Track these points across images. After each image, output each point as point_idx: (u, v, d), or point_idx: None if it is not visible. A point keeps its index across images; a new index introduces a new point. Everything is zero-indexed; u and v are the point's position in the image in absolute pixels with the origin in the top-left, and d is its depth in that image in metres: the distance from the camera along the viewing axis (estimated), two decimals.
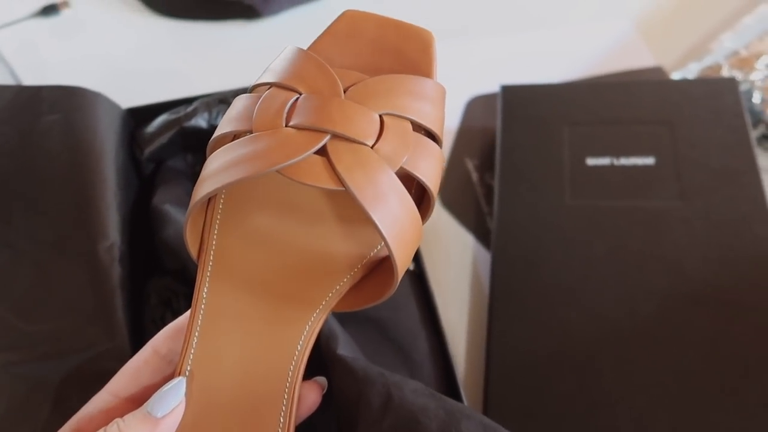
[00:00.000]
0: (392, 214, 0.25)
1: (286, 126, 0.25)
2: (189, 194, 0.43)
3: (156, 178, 0.44)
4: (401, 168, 0.25)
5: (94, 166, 0.39)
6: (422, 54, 0.28)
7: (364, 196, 0.24)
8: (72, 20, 0.65)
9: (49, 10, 0.64)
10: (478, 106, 0.59)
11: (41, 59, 0.62)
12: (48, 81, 0.52)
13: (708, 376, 0.38)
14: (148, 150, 0.44)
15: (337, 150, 0.24)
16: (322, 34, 0.29)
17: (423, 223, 0.27)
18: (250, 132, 0.26)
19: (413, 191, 0.27)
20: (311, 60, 0.27)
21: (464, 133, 0.57)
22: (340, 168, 0.24)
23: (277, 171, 0.24)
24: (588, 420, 0.38)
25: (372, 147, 0.25)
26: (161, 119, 0.45)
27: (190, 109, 0.45)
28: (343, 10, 0.29)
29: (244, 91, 0.46)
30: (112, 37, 0.65)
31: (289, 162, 0.24)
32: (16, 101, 0.41)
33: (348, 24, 0.29)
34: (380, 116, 0.25)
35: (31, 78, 0.59)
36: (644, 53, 0.61)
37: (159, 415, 0.26)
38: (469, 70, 0.61)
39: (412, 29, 0.29)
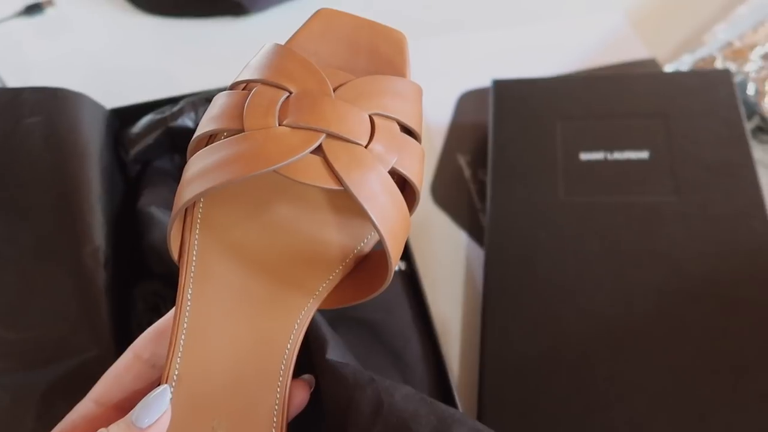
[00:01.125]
0: (386, 211, 0.25)
1: (279, 125, 0.25)
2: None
3: (142, 179, 0.43)
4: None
5: (77, 169, 0.38)
6: (396, 54, 0.29)
7: (361, 195, 0.24)
8: (56, 19, 0.64)
9: (33, 9, 0.63)
10: (470, 101, 0.58)
11: (25, 58, 0.61)
12: (32, 80, 0.51)
13: (705, 372, 0.37)
14: (134, 151, 0.43)
15: (333, 149, 0.24)
16: (298, 31, 0.29)
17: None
18: (232, 131, 0.25)
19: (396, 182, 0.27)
20: (295, 57, 0.27)
21: (456, 128, 0.57)
22: (337, 167, 0.24)
23: (275, 171, 0.24)
24: (584, 418, 0.37)
25: (365, 147, 0.25)
26: (147, 119, 0.44)
27: (176, 108, 0.44)
28: (317, 9, 0.30)
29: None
30: (98, 35, 0.64)
31: (287, 161, 0.24)
32: None
33: (323, 22, 0.29)
34: (370, 116, 0.26)
35: (15, 77, 0.58)
36: (637, 46, 0.60)
37: (144, 425, 0.25)
38: (460, 65, 0.61)
39: (386, 30, 0.29)
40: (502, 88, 0.52)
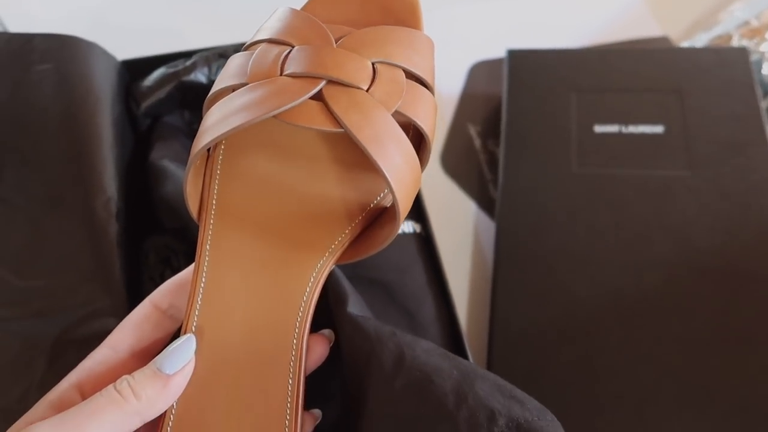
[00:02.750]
0: (391, 154, 0.25)
1: (281, 75, 0.25)
2: (187, 151, 0.42)
3: (152, 134, 0.43)
4: (398, 114, 0.26)
5: (89, 119, 0.38)
6: (410, 14, 0.29)
7: (362, 136, 0.24)
8: None
9: None
10: (481, 71, 0.58)
11: (29, 9, 0.59)
12: (36, 31, 0.50)
13: (713, 346, 0.37)
14: (145, 104, 0.42)
15: (332, 94, 0.25)
16: None
17: (422, 170, 0.28)
18: (243, 86, 0.26)
19: (410, 138, 0.27)
20: (300, 15, 0.28)
21: (467, 99, 0.56)
22: (337, 110, 0.24)
23: (276, 117, 0.24)
24: (590, 389, 0.37)
25: (366, 91, 0.25)
26: (159, 73, 0.43)
27: (188, 63, 0.43)
28: None
29: (244, 45, 0.45)
30: None
31: (287, 106, 0.24)
32: (6, 49, 0.39)
33: None
34: (372, 64, 0.26)
35: (18, 28, 0.57)
36: (651, 23, 0.60)
37: (170, 372, 0.25)
38: (472, 36, 0.60)
39: None
40: (517, 58, 0.52)
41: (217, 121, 0.25)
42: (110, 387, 0.24)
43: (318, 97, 0.25)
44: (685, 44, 0.56)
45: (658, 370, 0.37)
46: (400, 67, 0.27)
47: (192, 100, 0.43)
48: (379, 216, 0.31)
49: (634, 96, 0.48)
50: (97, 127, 0.38)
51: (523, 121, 0.49)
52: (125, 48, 0.46)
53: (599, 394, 0.37)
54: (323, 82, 0.25)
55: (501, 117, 0.49)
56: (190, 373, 0.26)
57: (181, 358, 0.26)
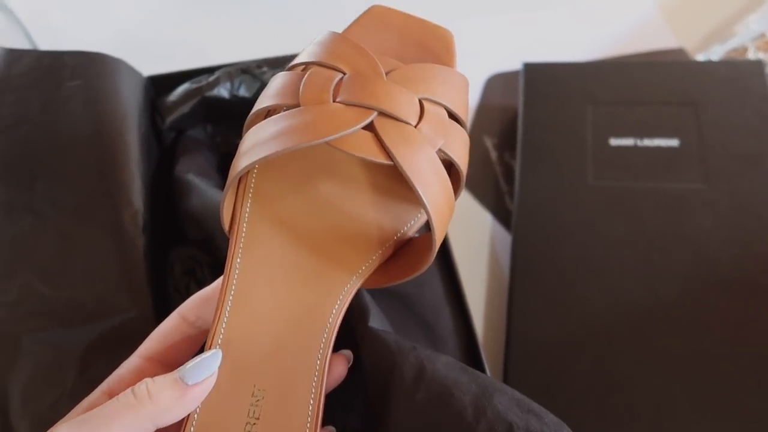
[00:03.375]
0: (433, 189, 0.26)
1: (333, 101, 0.26)
2: (210, 164, 0.43)
3: (177, 147, 0.44)
4: (438, 151, 0.27)
5: (117, 134, 0.39)
6: (444, 51, 0.30)
7: (409, 170, 0.25)
8: None
9: None
10: (497, 84, 0.58)
11: (57, 26, 0.61)
12: (64, 48, 0.51)
13: (728, 360, 0.38)
14: (170, 119, 0.43)
15: (384, 126, 0.26)
16: (350, 25, 0.31)
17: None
18: (290, 107, 0.26)
19: None
20: (349, 43, 0.28)
21: (483, 111, 0.57)
22: (388, 142, 0.25)
23: (328, 143, 0.25)
24: (606, 400, 0.38)
25: (415, 127, 0.26)
26: (183, 88, 0.44)
27: (212, 78, 0.44)
28: (370, 5, 0.31)
29: (267, 62, 0.46)
30: (129, 4, 0.64)
31: (341, 133, 0.25)
32: (37, 66, 0.41)
33: (374, 19, 0.31)
34: (419, 100, 0.27)
35: (47, 44, 0.58)
36: (666, 35, 0.60)
37: (190, 382, 0.26)
38: (488, 48, 0.61)
39: (435, 28, 0.31)
40: (533, 71, 0.53)
41: (268, 138, 0.26)
42: (128, 390, 0.25)
43: (368, 127, 0.26)
44: (700, 56, 0.56)
45: (674, 382, 0.38)
46: (443, 105, 0.28)
47: (215, 114, 0.45)
48: (408, 246, 0.32)
49: (650, 109, 0.48)
50: (125, 142, 0.39)
51: (539, 133, 0.49)
52: (151, 63, 0.47)
53: (615, 405, 0.38)
54: (375, 113, 0.26)
55: (517, 129, 0.50)
56: (210, 387, 0.26)
57: (203, 371, 0.26)
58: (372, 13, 0.31)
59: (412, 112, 0.26)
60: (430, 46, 0.30)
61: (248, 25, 0.62)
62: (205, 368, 0.26)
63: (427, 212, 0.26)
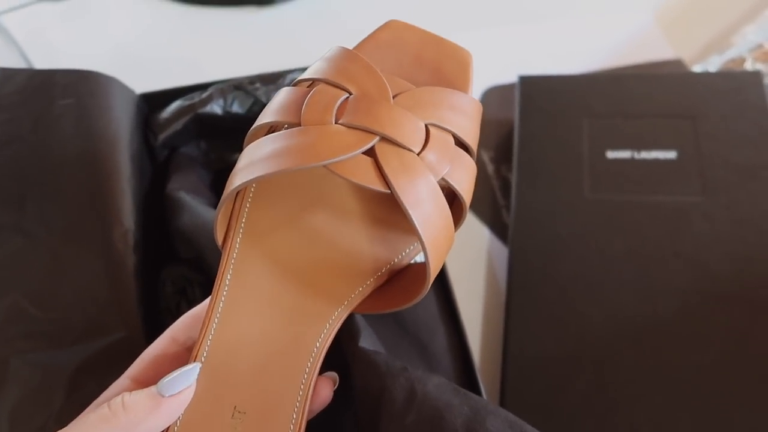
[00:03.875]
0: (430, 220, 0.25)
1: (335, 123, 0.25)
2: (203, 181, 0.43)
3: (170, 164, 0.44)
4: (441, 179, 0.26)
5: (108, 152, 0.39)
6: (460, 72, 0.29)
7: (407, 200, 0.24)
8: (83, 4, 0.65)
9: None
10: (494, 97, 0.58)
11: (52, 44, 0.61)
12: (59, 65, 0.52)
13: (728, 375, 0.37)
14: (163, 136, 0.43)
15: (384, 153, 0.25)
16: (365, 39, 0.30)
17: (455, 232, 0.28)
18: (291, 125, 0.26)
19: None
20: (359, 61, 0.27)
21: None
22: (387, 171, 0.24)
23: (325, 166, 0.24)
24: (605, 418, 0.37)
25: (418, 154, 0.25)
26: (175, 105, 0.44)
27: (204, 95, 0.44)
28: (388, 20, 0.30)
29: (259, 78, 0.46)
30: (124, 22, 0.64)
31: (339, 158, 0.24)
32: (29, 85, 0.41)
33: (391, 33, 0.30)
34: (426, 125, 0.26)
35: (42, 62, 0.59)
36: (664, 46, 0.60)
37: (166, 394, 0.25)
38: (485, 61, 0.60)
39: (452, 47, 0.30)
40: (529, 84, 0.52)
41: (265, 157, 0.25)
42: (104, 404, 0.25)
43: (369, 152, 0.25)
44: (698, 67, 0.56)
45: (674, 398, 0.37)
46: (450, 131, 0.27)
47: (208, 131, 0.44)
48: (403, 274, 0.31)
49: (647, 121, 0.48)
50: (116, 161, 0.39)
51: (536, 146, 0.49)
52: (147, 80, 0.47)
53: (615, 423, 0.37)
54: (377, 138, 0.25)
55: (513, 143, 0.50)
56: (188, 399, 0.26)
57: (180, 383, 0.26)
58: (389, 27, 0.30)
59: (416, 138, 0.25)
60: (446, 66, 0.29)
61: (244, 41, 0.62)
62: (182, 380, 0.26)
63: (423, 245, 0.25)
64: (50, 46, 0.61)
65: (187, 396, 0.26)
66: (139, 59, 0.60)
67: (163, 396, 0.25)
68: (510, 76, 0.56)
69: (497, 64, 0.60)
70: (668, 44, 0.60)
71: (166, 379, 0.26)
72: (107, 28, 0.63)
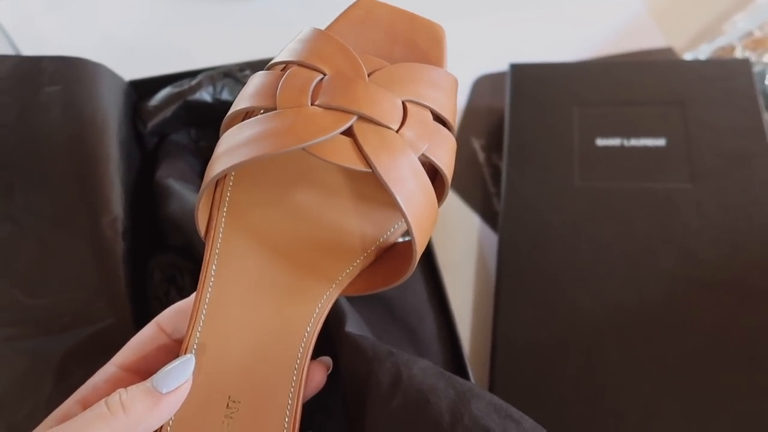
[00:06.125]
0: (414, 197, 0.25)
1: (312, 105, 0.25)
2: (193, 169, 0.43)
3: (159, 152, 0.43)
4: (422, 156, 0.26)
5: (96, 139, 0.39)
6: (434, 47, 0.29)
7: (389, 178, 0.24)
8: None
9: None
10: (485, 85, 0.58)
11: (40, 31, 0.61)
12: (47, 53, 0.51)
13: (717, 361, 0.37)
14: (152, 123, 0.43)
15: (363, 131, 0.24)
16: (337, 18, 0.29)
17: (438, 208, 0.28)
18: (267, 109, 0.25)
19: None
20: (332, 41, 0.27)
21: (471, 112, 0.57)
22: (367, 149, 0.24)
23: (304, 149, 0.24)
24: (593, 404, 0.37)
25: (397, 131, 0.25)
26: (165, 92, 0.44)
27: (194, 82, 0.44)
28: None
29: (249, 65, 0.45)
30: (114, 10, 0.63)
31: (317, 140, 0.24)
32: (16, 72, 0.40)
33: (363, 11, 0.29)
34: (403, 102, 0.26)
35: (31, 51, 0.58)
36: (655, 34, 0.60)
37: (164, 390, 0.25)
38: (476, 49, 0.60)
39: (425, 22, 0.29)
40: (520, 72, 0.52)
41: (242, 143, 0.25)
42: (101, 402, 0.24)
43: (347, 132, 0.24)
44: (688, 55, 0.56)
45: (661, 384, 0.37)
46: (428, 107, 0.27)
47: (197, 118, 0.44)
48: (390, 253, 0.31)
49: (636, 109, 0.48)
50: (104, 148, 0.38)
51: (526, 134, 0.49)
52: (138, 67, 0.47)
53: (603, 408, 0.37)
54: (354, 118, 0.24)
55: (503, 131, 0.50)
56: (185, 394, 0.26)
57: (177, 378, 0.26)
58: (359, 5, 0.29)
59: (394, 115, 0.25)
60: (419, 42, 0.29)
61: (234, 29, 0.62)
62: (179, 375, 0.26)
63: (407, 222, 0.25)
64: (39, 35, 0.60)
65: (185, 391, 0.26)
66: (128, 47, 0.60)
67: (161, 392, 0.25)
68: (501, 65, 0.56)
69: (488, 52, 0.60)
70: (659, 32, 0.60)
71: (162, 374, 0.25)
72: (96, 16, 0.63)
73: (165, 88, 0.44)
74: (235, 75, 0.44)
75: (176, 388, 0.26)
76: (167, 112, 0.43)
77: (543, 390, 0.38)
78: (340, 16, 0.29)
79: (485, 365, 0.41)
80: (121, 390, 0.25)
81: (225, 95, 0.44)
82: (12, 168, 0.38)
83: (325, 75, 0.26)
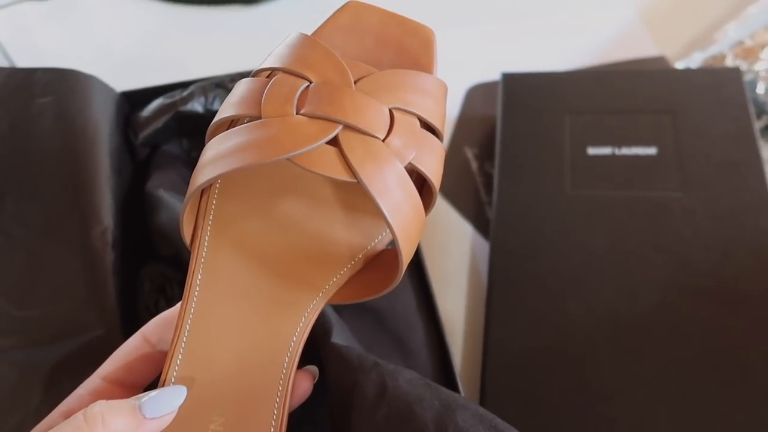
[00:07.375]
0: (400, 207, 0.25)
1: (297, 113, 0.24)
2: (184, 179, 0.43)
3: (151, 162, 0.44)
4: (409, 164, 0.25)
5: (87, 150, 0.39)
6: (423, 50, 0.28)
7: (374, 189, 0.24)
8: (67, 4, 0.64)
9: None
10: (478, 94, 0.58)
11: (36, 43, 0.61)
12: (43, 64, 0.52)
13: (708, 368, 0.37)
14: (143, 134, 0.43)
15: (349, 141, 0.24)
16: (325, 22, 0.29)
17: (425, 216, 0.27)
18: (252, 117, 0.25)
19: (413, 180, 0.27)
20: (319, 47, 0.27)
21: (464, 121, 0.57)
22: (352, 159, 0.24)
23: (289, 159, 0.23)
24: (586, 412, 0.37)
25: (383, 140, 0.25)
26: (157, 103, 0.44)
27: (185, 93, 0.44)
28: (346, 1, 0.29)
29: (241, 75, 0.46)
30: (109, 21, 0.64)
31: (302, 150, 0.23)
32: (8, 83, 0.41)
33: (351, 15, 0.29)
34: (390, 110, 0.26)
35: (25, 62, 0.58)
36: (647, 43, 0.60)
37: (148, 416, 0.25)
38: (469, 58, 0.61)
39: (415, 25, 0.29)
40: (511, 81, 0.52)
41: (226, 153, 0.24)
42: (79, 414, 0.24)
43: (332, 141, 0.24)
44: (680, 64, 0.56)
45: (654, 392, 0.37)
46: (415, 114, 0.26)
47: (190, 128, 0.44)
48: (377, 261, 0.31)
49: (628, 117, 0.48)
50: (95, 159, 0.39)
51: (518, 143, 0.49)
52: (132, 79, 0.47)
53: (595, 417, 0.37)
54: (340, 127, 0.24)
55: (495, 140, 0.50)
56: (169, 422, 0.25)
57: (164, 407, 0.25)
58: (348, 9, 0.29)
59: (380, 124, 0.25)
60: (409, 45, 0.28)
61: (229, 40, 0.62)
62: (168, 404, 0.25)
63: (393, 232, 0.25)
64: (34, 46, 0.60)
65: (168, 420, 0.25)
66: (124, 59, 0.60)
67: (145, 417, 0.24)
68: (494, 74, 0.56)
69: (481, 61, 0.60)
70: (652, 41, 0.60)
71: (149, 397, 0.25)
72: (92, 28, 0.63)
73: (157, 99, 0.44)
74: (227, 86, 0.45)
75: (160, 417, 0.25)
76: (159, 123, 0.43)
77: (535, 398, 0.38)
78: (328, 20, 0.29)
79: (476, 374, 0.41)
80: (102, 402, 0.24)
81: (217, 106, 0.44)
82: (3, 178, 0.38)
83: (310, 82, 0.25)
